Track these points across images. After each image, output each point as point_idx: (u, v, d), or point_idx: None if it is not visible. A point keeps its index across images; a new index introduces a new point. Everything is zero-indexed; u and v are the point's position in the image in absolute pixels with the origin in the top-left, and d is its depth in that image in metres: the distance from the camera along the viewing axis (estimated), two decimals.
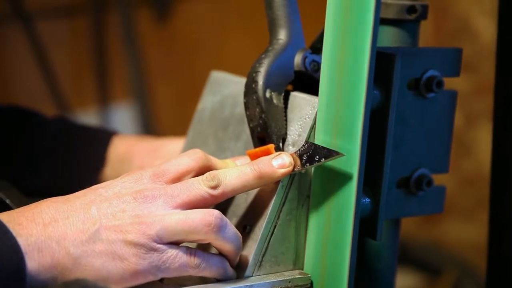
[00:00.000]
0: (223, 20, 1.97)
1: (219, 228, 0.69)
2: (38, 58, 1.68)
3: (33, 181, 1.00)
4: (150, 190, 0.70)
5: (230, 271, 0.72)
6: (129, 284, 0.68)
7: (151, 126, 1.87)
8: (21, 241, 0.65)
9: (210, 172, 0.71)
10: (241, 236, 0.72)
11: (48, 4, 1.73)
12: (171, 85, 1.93)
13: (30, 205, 0.69)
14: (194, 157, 0.73)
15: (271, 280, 0.73)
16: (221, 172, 0.71)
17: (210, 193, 0.70)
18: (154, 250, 0.68)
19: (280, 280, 0.73)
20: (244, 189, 0.72)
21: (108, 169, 1.00)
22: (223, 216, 0.70)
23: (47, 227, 0.67)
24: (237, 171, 0.72)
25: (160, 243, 0.68)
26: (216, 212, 0.69)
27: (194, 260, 0.69)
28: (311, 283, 0.75)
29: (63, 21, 1.77)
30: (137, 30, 1.85)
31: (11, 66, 1.71)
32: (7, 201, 0.80)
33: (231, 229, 0.70)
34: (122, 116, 1.87)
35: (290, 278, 0.74)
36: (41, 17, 1.70)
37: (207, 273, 0.71)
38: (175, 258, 0.68)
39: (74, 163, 1.01)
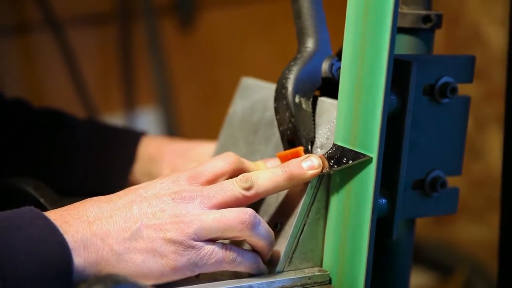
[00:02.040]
0: (243, 28, 1.97)
1: (253, 225, 0.70)
2: (68, 64, 1.69)
3: (68, 180, 1.01)
4: (187, 191, 0.70)
5: (263, 266, 0.73)
6: (167, 280, 0.69)
7: (174, 129, 1.87)
8: (68, 238, 0.66)
9: (244, 174, 0.72)
10: (273, 233, 0.72)
11: (77, 13, 1.74)
12: (193, 90, 1.94)
13: (75, 204, 0.70)
14: (228, 160, 0.74)
15: (292, 277, 0.73)
16: (254, 174, 0.72)
17: (244, 194, 0.71)
18: (192, 247, 0.68)
19: (300, 277, 0.74)
20: (276, 190, 0.73)
21: (138, 167, 1.01)
22: (256, 214, 0.71)
23: (92, 225, 0.68)
24: (269, 173, 0.72)
25: (197, 241, 0.69)
26: (250, 210, 0.70)
27: (230, 256, 0.70)
28: (330, 279, 0.75)
29: (91, 29, 1.78)
30: (162, 38, 1.86)
31: (42, 71, 1.72)
32: (41, 200, 0.81)
33: (264, 226, 0.71)
34: (147, 119, 1.88)
35: (309, 275, 0.74)
36: (71, 25, 1.71)
37: (241, 268, 0.71)
38: (212, 254, 0.69)
39: (106, 162, 1.02)
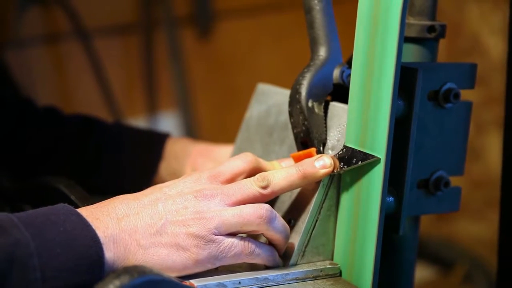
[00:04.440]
0: (257, 38, 1.97)
1: (270, 220, 0.70)
2: (95, 72, 1.70)
3: (98, 178, 1.01)
4: (208, 189, 0.71)
5: (278, 259, 0.73)
6: (190, 272, 0.69)
7: (193, 132, 1.88)
8: (99, 234, 0.66)
9: (261, 173, 0.72)
10: (288, 228, 0.73)
11: (104, 24, 1.74)
12: (211, 95, 1.94)
13: (104, 201, 0.70)
14: (246, 160, 0.74)
15: (305, 269, 0.73)
16: (270, 173, 0.72)
17: (261, 192, 0.71)
18: (213, 241, 0.69)
19: (312, 269, 0.74)
20: (290, 188, 0.73)
21: (163, 166, 1.01)
22: (273, 209, 0.71)
23: (121, 221, 0.68)
24: (284, 172, 0.72)
25: (218, 235, 0.69)
26: (267, 206, 0.70)
27: (248, 248, 0.70)
28: (340, 272, 0.75)
29: (117, 39, 1.79)
30: (182, 47, 1.86)
31: (71, 78, 1.73)
32: (72, 197, 0.81)
33: (280, 220, 0.71)
34: (168, 123, 1.88)
35: (321, 267, 0.74)
36: (98, 35, 1.72)
37: (259, 260, 0.71)
38: (231, 247, 0.69)
39: (134, 161, 1.02)
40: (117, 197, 0.71)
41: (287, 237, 0.73)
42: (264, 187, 0.71)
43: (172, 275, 0.68)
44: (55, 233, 0.64)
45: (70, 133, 1.03)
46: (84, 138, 1.02)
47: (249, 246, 0.70)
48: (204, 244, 0.68)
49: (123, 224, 0.68)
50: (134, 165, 1.02)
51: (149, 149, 1.01)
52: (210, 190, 0.71)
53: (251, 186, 0.71)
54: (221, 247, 0.69)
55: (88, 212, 0.68)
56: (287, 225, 0.72)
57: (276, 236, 0.71)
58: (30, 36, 1.64)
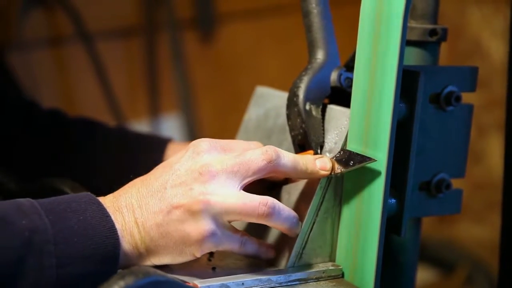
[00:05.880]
0: (259, 41, 1.98)
1: (270, 216, 0.71)
2: (98, 74, 1.70)
3: (98, 182, 1.02)
4: (214, 165, 0.70)
5: (266, 255, 0.75)
6: (196, 255, 0.71)
7: (196, 134, 1.88)
8: (117, 225, 0.68)
9: (270, 146, 0.72)
10: (294, 215, 0.73)
11: (107, 27, 1.75)
12: (213, 99, 1.94)
13: (124, 187, 0.72)
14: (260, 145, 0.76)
15: (307, 271, 0.74)
16: (280, 150, 0.72)
17: (267, 165, 0.71)
18: (212, 230, 0.70)
19: (315, 271, 0.74)
20: (292, 173, 0.73)
21: None
22: (275, 204, 0.71)
23: (135, 213, 0.70)
24: (292, 156, 0.73)
25: (217, 220, 0.70)
26: (270, 202, 0.71)
27: (241, 239, 0.72)
28: (342, 273, 0.75)
29: (119, 42, 1.79)
30: (184, 50, 1.87)
31: (74, 81, 1.73)
32: None
33: (283, 214, 0.72)
34: (170, 125, 1.88)
35: (324, 269, 0.75)
36: (101, 38, 1.72)
37: (246, 255, 0.74)
38: (225, 236, 0.70)
39: (136, 167, 1.02)
40: (131, 184, 0.72)
41: (292, 225, 0.73)
42: (271, 161, 0.71)
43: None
44: (74, 221, 0.66)
45: (74, 136, 1.04)
46: (87, 141, 1.03)
47: (241, 237, 0.72)
48: (206, 228, 0.69)
49: (136, 216, 0.69)
50: (136, 170, 1.02)
51: (150, 154, 1.02)
52: (215, 165, 0.70)
53: (257, 161, 0.71)
54: (218, 237, 0.70)
55: (110, 202, 0.70)
56: (292, 214, 0.73)
57: (279, 227, 0.73)
58: (33, 38, 1.65)
